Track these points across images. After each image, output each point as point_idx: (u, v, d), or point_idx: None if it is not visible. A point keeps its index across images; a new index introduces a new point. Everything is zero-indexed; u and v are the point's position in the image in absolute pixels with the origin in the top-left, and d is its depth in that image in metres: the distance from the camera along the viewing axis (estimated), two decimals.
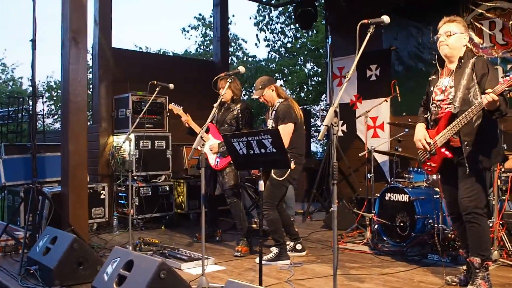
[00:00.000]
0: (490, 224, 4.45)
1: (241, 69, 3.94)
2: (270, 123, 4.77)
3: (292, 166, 4.21)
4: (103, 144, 7.01)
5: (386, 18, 2.93)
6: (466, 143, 3.37)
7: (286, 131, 4.44)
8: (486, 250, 3.46)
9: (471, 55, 3.51)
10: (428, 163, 3.68)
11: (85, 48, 5.10)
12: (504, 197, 4.57)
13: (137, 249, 4.82)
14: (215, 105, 4.03)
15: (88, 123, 6.50)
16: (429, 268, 4.23)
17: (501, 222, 4.41)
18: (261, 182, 3.12)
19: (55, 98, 20.93)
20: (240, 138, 3.15)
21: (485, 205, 3.43)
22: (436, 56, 3.72)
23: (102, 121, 7.02)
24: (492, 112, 3.20)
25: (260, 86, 4.74)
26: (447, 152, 3.49)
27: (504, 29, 6.12)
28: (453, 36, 3.49)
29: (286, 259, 4.52)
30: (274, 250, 4.59)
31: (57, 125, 19.05)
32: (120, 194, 6.73)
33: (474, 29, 6.26)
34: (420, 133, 3.67)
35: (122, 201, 6.67)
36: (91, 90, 7.79)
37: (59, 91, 24.83)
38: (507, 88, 3.03)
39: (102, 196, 6.43)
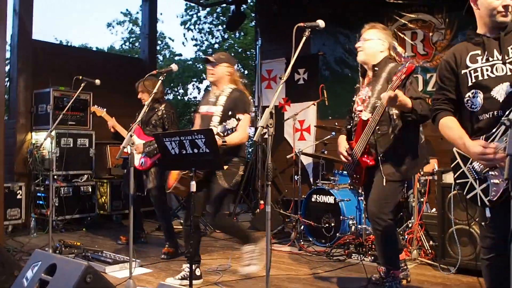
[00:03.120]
0: (410, 225, 4.70)
1: (174, 67, 3.83)
2: (204, 109, 4.02)
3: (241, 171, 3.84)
4: (20, 141, 6.58)
5: (321, 22, 2.90)
6: (382, 155, 3.34)
7: (246, 122, 3.80)
8: (391, 259, 3.44)
9: (390, 62, 3.45)
10: (354, 175, 3.61)
11: (4, 38, 4.79)
12: (422, 199, 4.78)
13: (58, 252, 4.59)
14: (146, 104, 3.92)
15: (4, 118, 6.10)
16: (353, 267, 4.37)
17: (419, 223, 4.60)
18: (193, 183, 3.07)
19: None
20: (172, 137, 3.08)
21: (391, 212, 3.35)
22: (359, 65, 3.68)
23: (20, 117, 6.60)
24: (406, 114, 3.16)
25: (220, 57, 3.95)
26: (368, 160, 3.42)
27: (425, 40, 6.42)
28: (368, 42, 3.47)
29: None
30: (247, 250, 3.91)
31: None
32: (38, 194, 6.36)
33: (397, 38, 6.55)
34: (342, 145, 3.61)
35: (41, 202, 6.31)
36: (7, 83, 7.32)
37: None
38: (401, 83, 3.02)
39: (18, 196, 6.05)
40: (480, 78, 2.32)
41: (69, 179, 6.52)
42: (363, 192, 4.54)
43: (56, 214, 6.16)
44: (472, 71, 2.35)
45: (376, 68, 3.46)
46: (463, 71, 2.39)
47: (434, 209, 4.74)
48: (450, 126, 2.42)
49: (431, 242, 4.54)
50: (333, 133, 5.94)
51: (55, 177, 6.26)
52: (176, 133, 3.11)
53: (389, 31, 3.70)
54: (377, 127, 3.35)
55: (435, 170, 4.73)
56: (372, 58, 3.48)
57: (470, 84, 2.35)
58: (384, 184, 3.31)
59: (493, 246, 2.31)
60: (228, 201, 4.26)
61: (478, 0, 2.39)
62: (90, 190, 6.68)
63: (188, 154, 3.06)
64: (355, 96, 3.67)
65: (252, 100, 4.21)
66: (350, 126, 3.69)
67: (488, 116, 2.29)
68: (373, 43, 3.47)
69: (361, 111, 3.47)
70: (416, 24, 6.52)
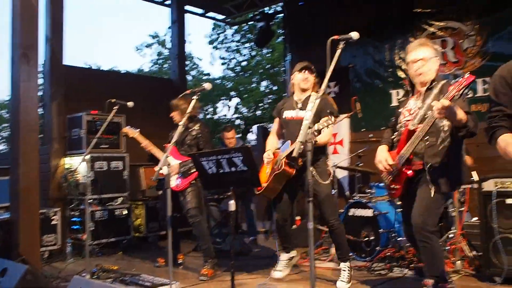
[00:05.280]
0: (452, 235, 4.59)
1: (207, 85, 3.77)
2: (291, 114, 4.37)
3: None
4: (54, 166, 6.61)
5: (355, 34, 2.90)
6: (429, 165, 3.30)
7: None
8: (438, 271, 3.37)
9: (440, 78, 3.46)
10: (391, 186, 3.57)
11: (36, 65, 4.84)
12: (462, 209, 4.67)
13: (95, 276, 4.53)
14: (180, 124, 3.85)
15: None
16: (396, 281, 4.27)
17: (461, 233, 4.50)
18: (232, 202, 2.98)
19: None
20: (209, 156, 3.01)
21: (436, 225, 3.35)
22: (408, 79, 3.67)
23: (54, 142, 6.64)
24: (459, 129, 3.11)
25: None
26: (409, 172, 3.37)
27: (455, 48, 6.34)
28: (425, 63, 3.43)
29: None
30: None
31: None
32: (73, 219, 6.37)
33: None
34: (381, 154, 3.57)
35: (76, 226, 6.30)
36: (42, 109, 7.43)
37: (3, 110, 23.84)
38: (458, 93, 2.86)
39: (53, 222, 6.04)
40: None
41: (103, 202, 6.52)
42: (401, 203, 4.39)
43: (92, 238, 6.14)
44: None
45: (432, 83, 3.42)
46: None
47: (475, 218, 4.66)
48: None
49: (474, 252, 4.43)
50: (367, 146, 5.79)
51: (90, 201, 6.25)
52: (213, 152, 3.03)
53: (432, 43, 3.69)
54: (426, 137, 3.30)
55: (472, 178, 4.57)
56: (431, 76, 3.46)
57: None
58: (432, 195, 3.26)
59: None
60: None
61: None
62: (125, 212, 6.66)
63: (225, 172, 2.97)
64: (401, 108, 3.64)
65: None
66: (393, 137, 3.64)
67: None
68: (430, 63, 3.45)
69: (408, 121, 3.43)
70: (446, 32, 6.46)
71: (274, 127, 4.66)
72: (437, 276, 3.34)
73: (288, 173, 4.14)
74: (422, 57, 3.44)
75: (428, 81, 3.45)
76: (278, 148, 4.49)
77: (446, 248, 4.52)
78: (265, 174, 4.35)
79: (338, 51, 2.86)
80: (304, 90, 4.37)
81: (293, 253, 4.68)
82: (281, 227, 4.53)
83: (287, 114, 4.42)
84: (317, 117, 3.75)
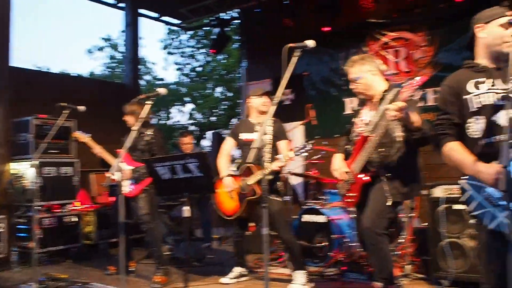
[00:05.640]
0: (402, 240, 4.66)
1: (161, 90, 3.71)
2: (248, 137, 4.58)
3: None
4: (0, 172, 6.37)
5: (310, 42, 2.93)
6: (386, 175, 3.35)
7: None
8: (386, 273, 3.39)
9: (393, 86, 3.40)
10: (347, 194, 3.58)
11: None
12: (412, 215, 4.76)
13: (43, 286, 4.39)
14: (134, 129, 3.78)
15: None
16: (347, 286, 4.36)
17: (411, 238, 4.62)
18: (187, 208, 2.95)
19: None
20: (163, 162, 2.97)
21: (385, 228, 3.35)
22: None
23: None
24: (413, 133, 3.14)
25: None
26: (365, 178, 3.41)
27: (407, 58, 6.51)
28: (359, 81, 3.52)
29: None
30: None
31: None
32: (19, 226, 6.13)
33: (380, 57, 6.58)
34: (337, 163, 3.62)
35: (22, 234, 6.07)
36: None
37: None
38: (411, 94, 2.84)
39: None
40: (484, 103, 2.28)
41: (52, 209, 6.30)
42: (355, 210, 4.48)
43: (39, 246, 5.92)
44: (475, 97, 2.32)
45: (385, 93, 3.40)
46: (464, 97, 2.36)
47: (425, 223, 4.74)
48: (459, 150, 2.34)
49: (423, 257, 4.54)
50: (323, 152, 5.87)
51: (38, 208, 6.03)
52: (167, 158, 3.00)
53: (366, 57, 3.70)
54: (381, 149, 3.35)
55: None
56: (372, 89, 3.51)
57: (473, 109, 2.32)
58: (385, 202, 3.30)
59: None
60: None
61: (486, 28, 2.38)
62: (75, 219, 6.46)
63: (180, 178, 2.94)
64: (355, 118, 3.68)
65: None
66: (347, 147, 3.67)
67: (490, 142, 2.25)
68: (364, 79, 3.51)
69: (362, 131, 3.47)
70: (398, 42, 6.62)
71: (226, 148, 4.78)
72: (385, 279, 3.37)
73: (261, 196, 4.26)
74: (354, 78, 3.54)
75: (376, 94, 3.49)
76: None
77: (397, 253, 4.60)
78: (229, 200, 4.54)
79: (295, 59, 2.88)
80: (262, 113, 4.56)
81: (244, 271, 4.84)
82: (237, 242, 4.79)
83: (244, 136, 4.58)
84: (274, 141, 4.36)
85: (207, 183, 2.92)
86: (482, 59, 2.42)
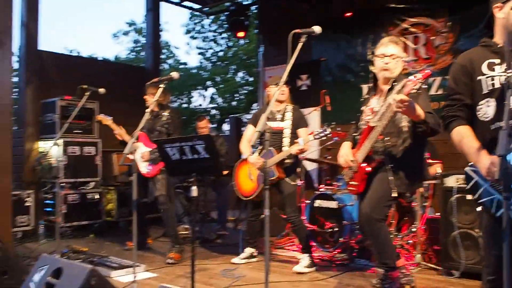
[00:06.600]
0: (414, 229, 4.66)
1: (174, 74, 3.88)
2: (269, 124, 4.66)
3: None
4: (28, 149, 6.74)
5: (317, 28, 2.92)
6: (390, 165, 3.36)
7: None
8: (386, 258, 3.42)
9: (403, 77, 3.36)
10: (351, 183, 3.59)
11: (10, 50, 4.90)
12: (426, 203, 4.77)
13: (65, 257, 4.68)
14: (147, 110, 3.98)
15: (13, 128, 6.23)
16: (356, 272, 4.39)
17: (423, 227, 4.60)
18: (194, 188, 3.16)
19: None
20: (172, 143, 3.17)
21: (383, 214, 3.41)
22: (372, 75, 3.66)
23: (28, 126, 6.75)
24: (417, 125, 3.15)
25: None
26: (367, 168, 3.43)
27: (427, 44, 6.33)
28: (393, 60, 3.47)
29: None
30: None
31: None
32: (46, 201, 6.49)
33: None
34: (343, 150, 3.61)
35: (49, 209, 6.44)
36: (16, 94, 7.48)
37: None
38: (415, 88, 2.85)
39: (27, 204, 6.18)
40: (496, 86, 2.17)
41: (76, 186, 6.64)
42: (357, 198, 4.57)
43: (64, 221, 6.28)
44: (488, 79, 2.21)
45: (394, 84, 3.40)
46: (478, 77, 2.24)
47: (438, 213, 4.69)
48: (466, 135, 2.23)
49: (435, 247, 4.51)
50: (336, 138, 5.96)
51: (63, 184, 6.38)
52: (176, 139, 3.20)
53: (400, 41, 3.66)
54: (387, 138, 3.38)
55: (437, 173, 4.70)
56: (395, 73, 3.50)
57: (485, 91, 2.21)
58: (394, 195, 3.34)
59: None
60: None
61: (503, 8, 2.23)
62: (97, 197, 6.80)
63: (188, 159, 3.14)
64: (364, 106, 3.68)
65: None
66: (355, 135, 3.69)
67: (501, 126, 2.06)
68: (399, 62, 3.49)
69: (370, 119, 3.47)
70: (418, 28, 6.44)
71: (247, 134, 4.99)
72: (385, 264, 3.42)
73: (280, 179, 4.61)
74: (391, 53, 3.47)
75: (392, 79, 3.46)
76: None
77: (409, 242, 4.67)
78: (248, 181, 4.82)
79: (300, 45, 2.87)
80: (280, 102, 4.75)
81: (255, 252, 5.00)
82: (251, 223, 5.00)
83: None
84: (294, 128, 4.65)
85: (213, 165, 3.10)
86: (500, 39, 2.27)
